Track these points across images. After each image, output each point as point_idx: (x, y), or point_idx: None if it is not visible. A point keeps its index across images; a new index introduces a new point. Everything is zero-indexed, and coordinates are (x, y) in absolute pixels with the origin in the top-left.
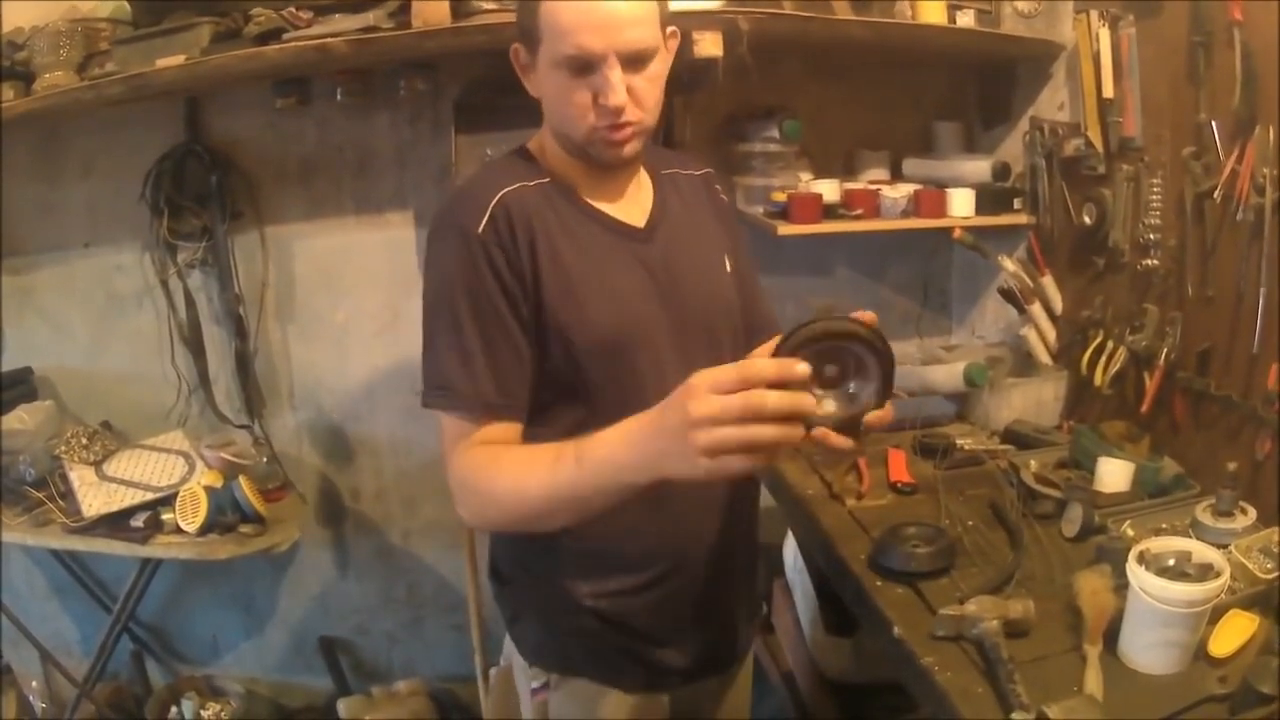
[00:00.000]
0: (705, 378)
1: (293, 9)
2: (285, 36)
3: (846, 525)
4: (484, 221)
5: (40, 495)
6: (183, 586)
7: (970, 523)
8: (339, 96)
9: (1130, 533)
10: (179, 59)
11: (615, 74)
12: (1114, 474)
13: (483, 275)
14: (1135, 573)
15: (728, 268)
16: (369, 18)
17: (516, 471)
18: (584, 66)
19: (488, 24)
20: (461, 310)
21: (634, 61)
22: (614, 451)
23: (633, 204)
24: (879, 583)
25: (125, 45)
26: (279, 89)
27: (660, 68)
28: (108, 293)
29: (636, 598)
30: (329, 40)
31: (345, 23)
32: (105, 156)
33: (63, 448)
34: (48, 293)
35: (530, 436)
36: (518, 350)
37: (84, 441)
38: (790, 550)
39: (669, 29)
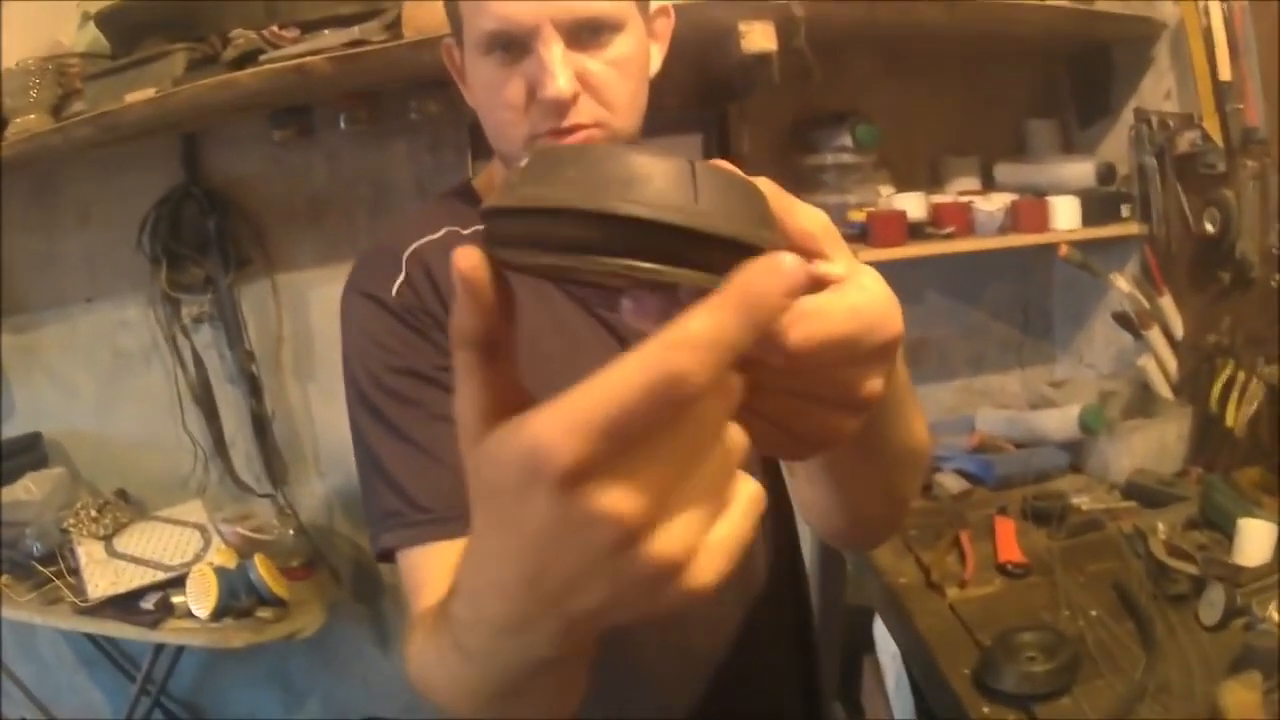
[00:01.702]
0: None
1: (275, 28)
2: (261, 59)
3: (947, 625)
4: (398, 283)
5: (48, 572)
6: (215, 663)
7: (1093, 613)
8: (342, 124)
9: (1276, 616)
10: (149, 92)
11: (552, 52)
12: (1256, 540)
13: (411, 347)
14: None
15: None
16: (355, 32)
17: (423, 658)
18: (511, 45)
19: None
20: (390, 405)
21: (582, 35)
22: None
23: None
24: (986, 709)
25: (95, 80)
26: (276, 120)
27: (632, 50)
28: (114, 351)
29: None
30: (308, 60)
31: (329, 39)
32: (102, 203)
33: (71, 520)
34: (53, 351)
35: None
36: None
37: (93, 514)
38: (882, 628)
39: (655, 4)
